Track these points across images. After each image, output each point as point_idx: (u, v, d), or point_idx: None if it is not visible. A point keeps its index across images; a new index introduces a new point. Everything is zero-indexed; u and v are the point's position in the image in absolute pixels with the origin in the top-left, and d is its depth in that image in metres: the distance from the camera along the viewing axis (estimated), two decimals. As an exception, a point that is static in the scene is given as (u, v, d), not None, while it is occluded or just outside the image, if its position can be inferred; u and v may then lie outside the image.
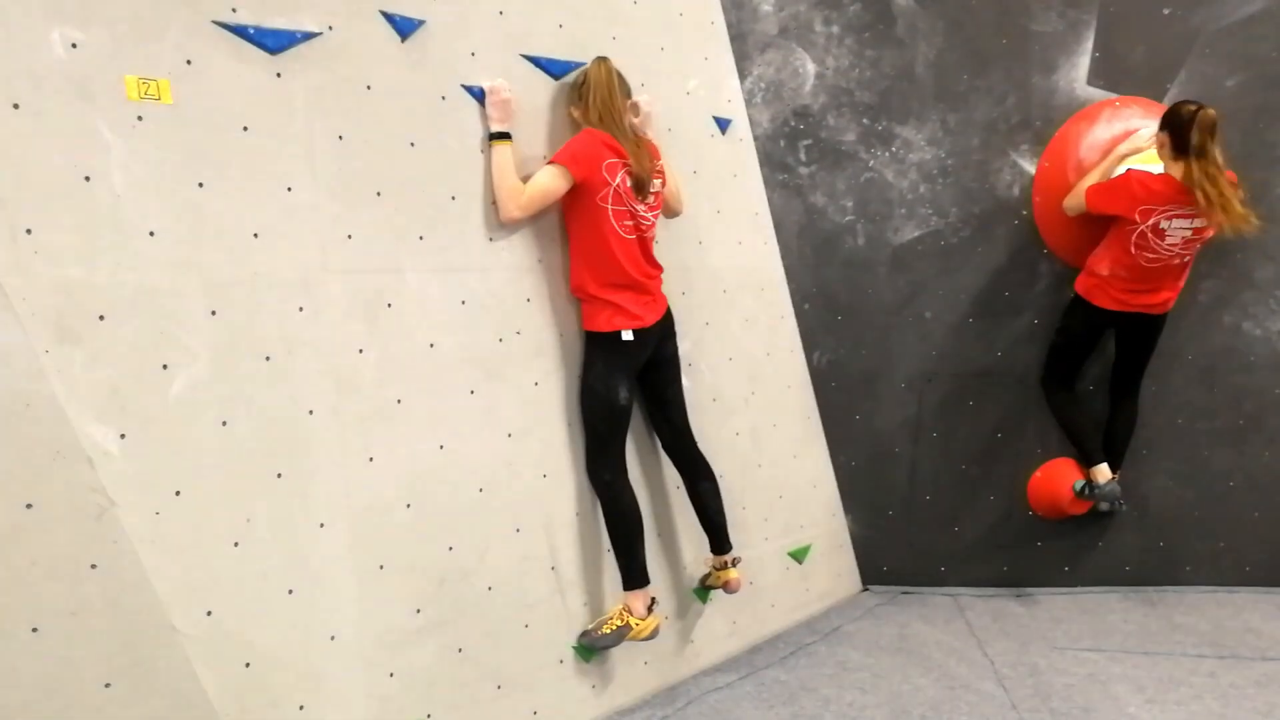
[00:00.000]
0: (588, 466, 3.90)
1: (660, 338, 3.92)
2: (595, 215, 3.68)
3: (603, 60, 3.78)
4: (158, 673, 2.74)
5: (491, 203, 3.61)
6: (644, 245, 3.85)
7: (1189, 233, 4.44)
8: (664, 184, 3.91)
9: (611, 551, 3.93)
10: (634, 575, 3.87)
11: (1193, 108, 4.34)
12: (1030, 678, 4.30)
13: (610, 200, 3.68)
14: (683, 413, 4.13)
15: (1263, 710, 4.01)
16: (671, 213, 4.14)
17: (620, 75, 3.81)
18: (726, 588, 4.22)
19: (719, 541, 4.20)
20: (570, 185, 3.62)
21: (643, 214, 3.79)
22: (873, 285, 5.05)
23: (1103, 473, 4.90)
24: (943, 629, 4.84)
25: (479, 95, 3.58)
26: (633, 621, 3.82)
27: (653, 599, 3.92)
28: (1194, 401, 5.18)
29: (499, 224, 3.61)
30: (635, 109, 3.84)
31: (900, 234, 5.02)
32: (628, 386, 3.82)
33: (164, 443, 2.76)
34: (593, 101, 3.73)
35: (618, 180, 3.68)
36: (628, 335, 3.76)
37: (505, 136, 3.59)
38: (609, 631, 3.79)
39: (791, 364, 4.91)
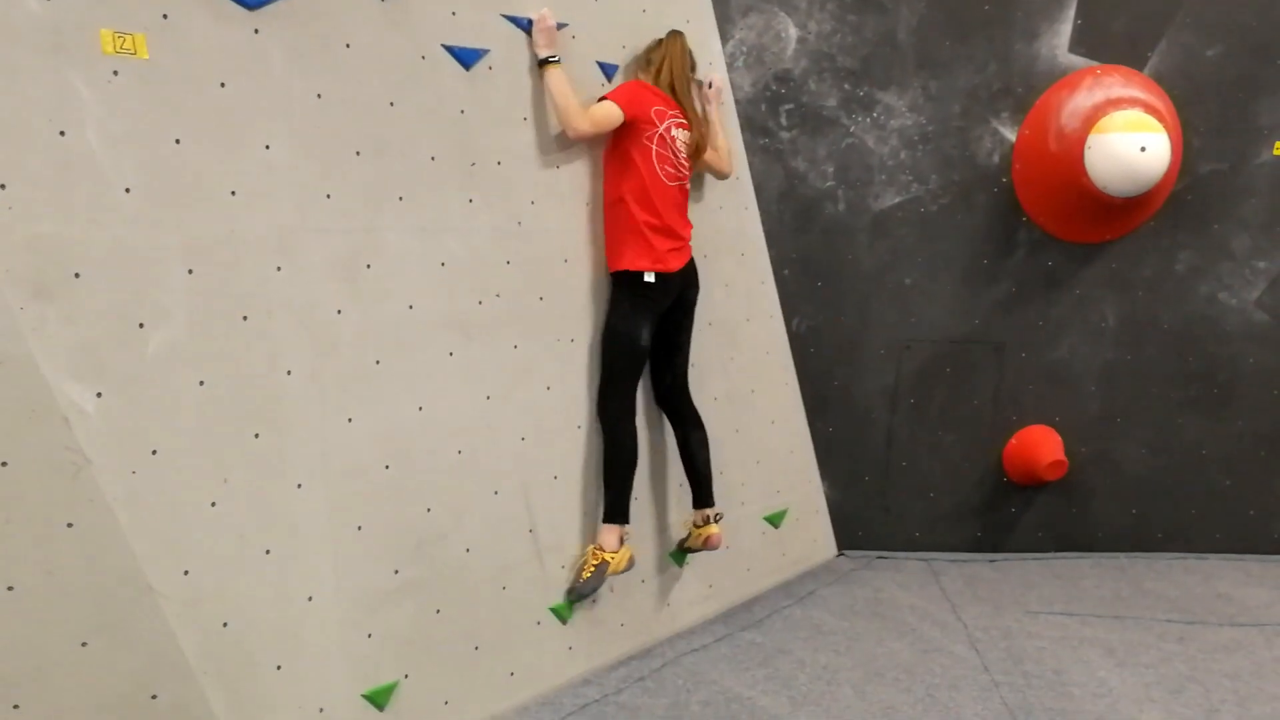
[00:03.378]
0: (598, 401, 4.01)
1: (683, 285, 4.08)
2: (640, 154, 3.88)
3: (678, 34, 4.10)
4: (134, 632, 2.73)
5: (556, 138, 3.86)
6: (682, 194, 4.07)
7: None
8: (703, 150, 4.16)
9: (602, 487, 4.01)
10: (617, 510, 3.97)
11: None
12: (1003, 641, 4.35)
13: (655, 142, 3.90)
14: (685, 363, 4.25)
15: (1229, 674, 4.08)
16: (721, 172, 4.48)
17: (690, 52, 4.14)
18: (707, 544, 4.27)
19: (703, 494, 4.27)
20: (622, 120, 3.83)
21: (682, 163, 4.03)
22: (853, 251, 5.05)
23: None
24: (917, 593, 4.89)
25: (525, 25, 3.70)
26: (608, 557, 3.89)
27: (626, 531, 3.99)
28: (1168, 371, 5.22)
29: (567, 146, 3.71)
30: (709, 87, 4.33)
31: (881, 200, 5.02)
32: (650, 330, 3.96)
33: (140, 402, 2.75)
34: (665, 68, 4.04)
35: (664, 126, 3.92)
36: (649, 278, 3.90)
37: (555, 60, 3.75)
38: (590, 575, 3.86)
39: (771, 330, 4.91)
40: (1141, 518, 5.36)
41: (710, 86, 4.37)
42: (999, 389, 5.23)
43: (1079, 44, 4.92)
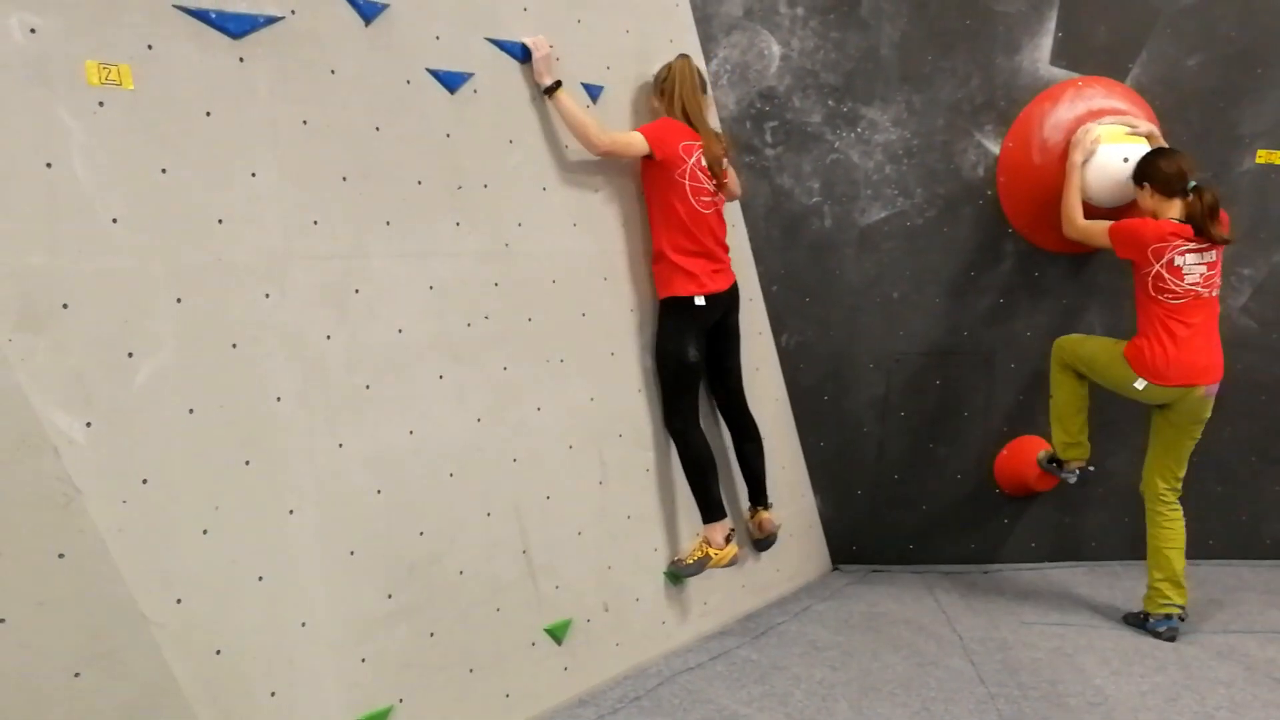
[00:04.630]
0: (663, 417, 4.32)
1: (727, 307, 4.33)
2: (675, 190, 4.10)
3: (685, 58, 4.24)
4: (127, 662, 2.73)
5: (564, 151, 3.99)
6: (718, 219, 4.26)
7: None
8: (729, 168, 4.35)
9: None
10: (710, 509, 4.29)
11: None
12: (999, 653, 4.35)
13: (688, 177, 4.10)
14: (739, 379, 4.55)
15: (1225, 680, 4.09)
16: (731, 195, 4.53)
17: (699, 71, 4.28)
18: (762, 527, 4.68)
19: (758, 494, 4.68)
20: (646, 153, 4.04)
21: (715, 189, 4.21)
22: (840, 266, 5.07)
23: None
24: (912, 606, 4.89)
25: (521, 53, 3.77)
26: (711, 552, 4.27)
27: (731, 529, 4.35)
28: (1157, 378, 5.23)
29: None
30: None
31: (867, 215, 5.04)
32: (696, 346, 4.19)
33: (130, 431, 2.75)
34: (677, 95, 4.18)
35: (694, 160, 4.11)
36: (700, 301, 4.15)
37: (558, 85, 3.86)
38: (692, 561, 4.25)
39: (760, 346, 4.92)
40: (1134, 525, 5.34)
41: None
42: (989, 400, 5.24)
43: (1060, 56, 4.96)
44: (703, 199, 4.15)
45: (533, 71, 3.82)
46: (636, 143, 4.02)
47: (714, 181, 4.18)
